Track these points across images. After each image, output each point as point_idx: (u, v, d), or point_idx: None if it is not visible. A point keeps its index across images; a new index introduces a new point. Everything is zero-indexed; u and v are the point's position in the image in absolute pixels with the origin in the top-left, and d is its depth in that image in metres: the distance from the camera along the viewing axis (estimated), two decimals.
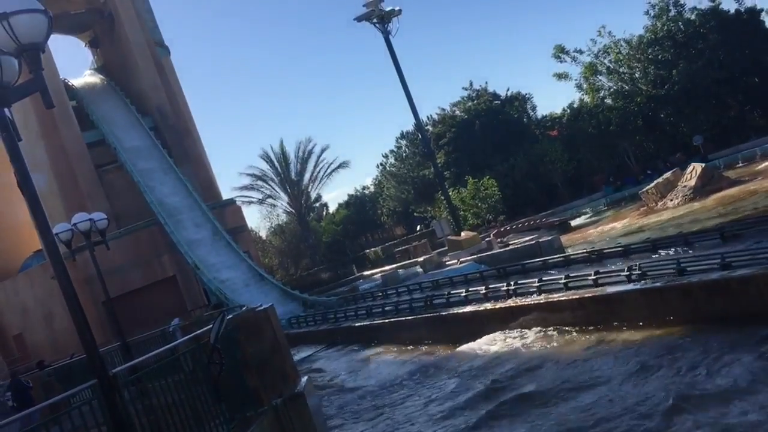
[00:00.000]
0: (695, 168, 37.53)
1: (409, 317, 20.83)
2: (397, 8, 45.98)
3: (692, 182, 36.63)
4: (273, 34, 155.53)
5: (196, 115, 71.13)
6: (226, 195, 49.50)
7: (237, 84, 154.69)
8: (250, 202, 71.94)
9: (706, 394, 9.16)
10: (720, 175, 37.77)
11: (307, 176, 71.81)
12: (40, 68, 6.64)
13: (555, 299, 15.48)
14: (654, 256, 17.86)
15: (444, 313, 19.23)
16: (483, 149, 59.28)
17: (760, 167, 39.97)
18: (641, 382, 10.30)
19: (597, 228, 38.27)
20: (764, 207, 25.30)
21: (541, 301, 15.86)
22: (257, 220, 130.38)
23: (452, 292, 20.84)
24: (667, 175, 39.84)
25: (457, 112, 64.57)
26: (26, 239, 42.38)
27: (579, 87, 61.56)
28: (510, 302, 17.10)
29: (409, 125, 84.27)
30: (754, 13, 54.34)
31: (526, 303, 16.37)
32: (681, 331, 11.94)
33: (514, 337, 15.53)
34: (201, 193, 40.23)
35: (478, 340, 16.41)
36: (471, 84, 64.94)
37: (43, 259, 37.30)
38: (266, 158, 70.69)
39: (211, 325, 9.20)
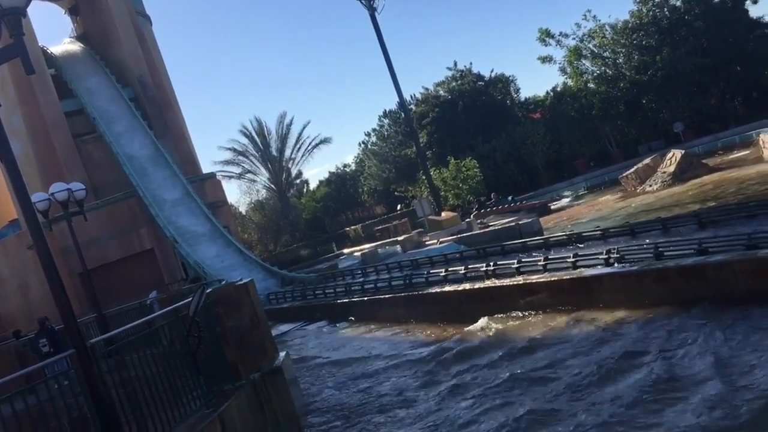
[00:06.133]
0: (675, 155, 37.91)
1: (388, 295, 20.90)
2: None
3: (671, 168, 37.01)
4: (255, 8, 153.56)
5: (176, 88, 70.25)
6: (206, 169, 49.13)
7: (219, 58, 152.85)
8: (230, 177, 71.66)
9: None
10: (699, 162, 38.15)
11: (287, 152, 71.61)
12: (21, 33, 6.53)
13: (533, 281, 15.60)
14: (632, 240, 18.06)
15: (423, 292, 19.31)
16: (465, 130, 59.29)
17: (738, 155, 40.46)
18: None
19: (576, 210, 38.58)
20: (742, 194, 25.62)
21: (520, 282, 15.98)
22: (237, 195, 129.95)
23: (431, 271, 20.92)
24: (647, 161, 40.25)
25: (441, 92, 64.43)
26: (1, 208, 41.79)
27: (563, 71, 61.72)
28: (489, 283, 17.21)
29: (392, 104, 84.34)
30: (738, 1, 54.59)
31: (505, 284, 16.47)
32: (657, 312, 12.13)
33: (493, 317, 15.63)
34: (181, 167, 39.86)
35: (457, 320, 16.51)
36: (455, 64, 64.88)
37: (19, 229, 36.85)
38: (246, 133, 70.34)
39: (190, 299, 9.18)
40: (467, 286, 17.78)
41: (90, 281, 18.21)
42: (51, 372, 7.79)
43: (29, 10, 6.86)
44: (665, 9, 56.00)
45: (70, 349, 6.92)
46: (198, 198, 37.49)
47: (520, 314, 15.17)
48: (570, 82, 61.67)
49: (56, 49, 45.24)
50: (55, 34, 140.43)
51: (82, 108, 40.69)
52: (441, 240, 34.66)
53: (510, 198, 49.51)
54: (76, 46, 46.01)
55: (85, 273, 18.42)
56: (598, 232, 20.26)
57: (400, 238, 38.81)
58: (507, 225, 31.83)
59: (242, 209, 77.25)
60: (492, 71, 64.57)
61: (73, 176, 31.97)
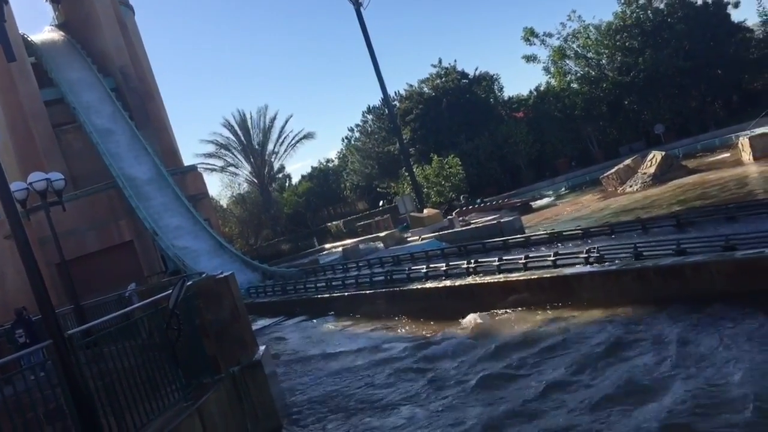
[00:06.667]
0: (655, 156, 38.31)
1: (369, 291, 20.90)
2: None
3: (652, 170, 37.39)
4: (240, 1, 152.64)
5: (159, 79, 69.64)
6: (188, 162, 48.77)
7: (202, 50, 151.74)
8: (213, 170, 71.31)
9: None
10: (679, 164, 38.59)
11: (270, 146, 71.38)
12: (3, 20, 6.43)
13: (515, 279, 15.67)
14: (612, 240, 18.20)
15: (404, 288, 19.32)
16: (449, 127, 59.39)
17: (717, 158, 40.96)
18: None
19: (557, 210, 38.83)
20: (719, 196, 25.93)
21: (501, 280, 16.04)
22: (219, 188, 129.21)
23: (413, 268, 20.95)
24: (628, 161, 40.66)
25: (425, 89, 64.41)
26: None
27: (547, 70, 62.05)
28: (470, 280, 17.27)
29: (376, 100, 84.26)
30: (720, 5, 55.19)
31: (486, 281, 16.53)
32: (635, 311, 12.26)
33: (475, 314, 15.68)
34: (162, 159, 39.56)
35: (438, 317, 16.54)
36: (440, 61, 64.87)
37: None
38: (228, 126, 70.01)
39: (170, 291, 9.11)
40: (448, 283, 17.82)
41: (68, 272, 18.02)
42: (27, 363, 7.69)
43: None
44: (649, 11, 56.47)
45: (47, 340, 6.85)
46: (178, 189, 37.22)
47: (502, 312, 15.23)
48: (553, 82, 62.02)
49: (36, 37, 44.71)
50: (36, 21, 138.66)
51: (62, 97, 40.23)
52: (423, 237, 34.72)
53: (479, 200, 49.51)
54: (56, 35, 45.49)
55: (62, 263, 18.21)
56: (579, 232, 20.38)
57: (381, 234, 38.82)
58: (489, 223, 31.94)
59: (223, 203, 76.92)
60: (476, 69, 64.81)
61: (52, 166, 31.62)
